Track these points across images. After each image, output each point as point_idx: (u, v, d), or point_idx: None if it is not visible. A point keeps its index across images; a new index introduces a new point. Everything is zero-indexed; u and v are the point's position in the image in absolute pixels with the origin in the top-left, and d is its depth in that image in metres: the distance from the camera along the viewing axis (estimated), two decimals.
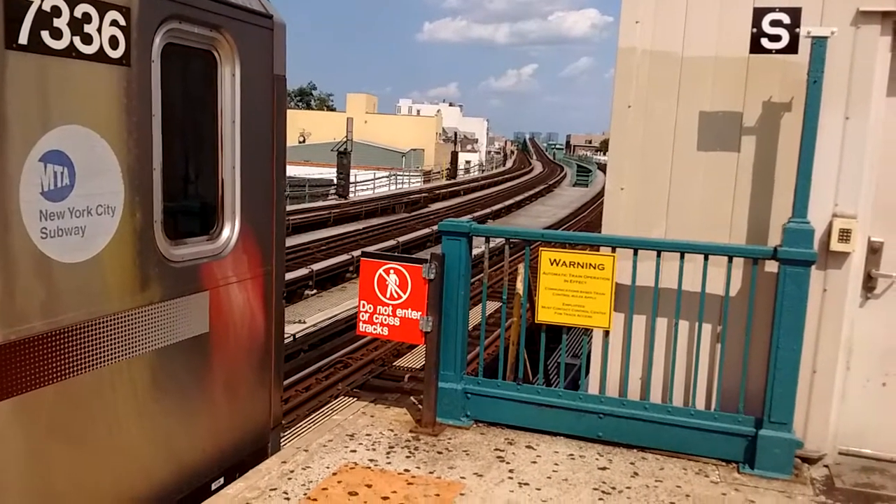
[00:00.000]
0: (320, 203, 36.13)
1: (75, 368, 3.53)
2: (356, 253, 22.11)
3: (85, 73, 3.46)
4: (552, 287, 5.12)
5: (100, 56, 3.51)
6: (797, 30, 4.51)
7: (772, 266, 4.75)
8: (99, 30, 3.48)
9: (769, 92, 4.84)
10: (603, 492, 4.45)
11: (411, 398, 5.80)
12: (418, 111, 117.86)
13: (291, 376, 11.67)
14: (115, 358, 3.76)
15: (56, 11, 3.27)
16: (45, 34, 3.23)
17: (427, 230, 29.86)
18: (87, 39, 3.43)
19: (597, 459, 4.89)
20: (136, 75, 3.74)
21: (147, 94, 3.81)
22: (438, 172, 66.97)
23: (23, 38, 3.14)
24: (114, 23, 3.56)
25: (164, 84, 3.93)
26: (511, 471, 4.68)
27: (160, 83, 3.89)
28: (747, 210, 4.94)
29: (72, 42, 3.36)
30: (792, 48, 4.56)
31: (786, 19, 4.53)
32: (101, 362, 3.67)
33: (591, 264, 5.03)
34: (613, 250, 5.05)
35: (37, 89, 3.25)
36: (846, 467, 4.89)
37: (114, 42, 3.58)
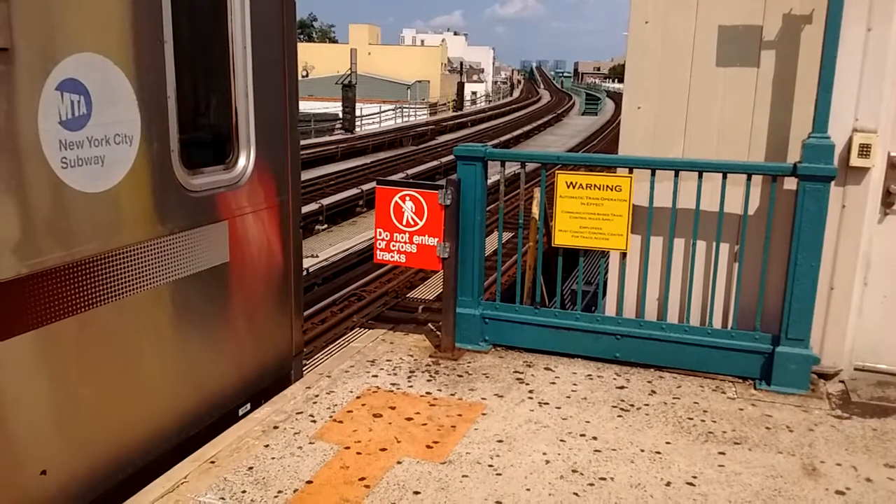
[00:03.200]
0: (327, 138, 35.88)
1: (100, 299, 3.55)
2: (366, 187, 22.06)
3: None
4: (569, 210, 5.11)
5: None
6: None
7: (791, 183, 4.71)
8: None
9: (790, 4, 4.71)
10: (622, 409, 4.53)
11: (429, 325, 5.86)
12: (422, 41, 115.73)
13: (307, 309, 11.79)
14: (139, 288, 3.79)
15: None
16: None
17: (435, 162, 29.73)
18: None
19: (615, 379, 4.96)
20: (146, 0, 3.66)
21: (158, 19, 3.74)
22: (444, 104, 66.19)
23: None
24: None
25: (174, 9, 3.84)
26: (531, 391, 4.76)
27: (170, 7, 3.81)
28: (766, 126, 4.87)
29: None
30: None
31: None
32: (124, 293, 3.69)
33: (607, 186, 5.01)
34: (630, 171, 5.02)
35: (46, 16, 3.19)
36: (862, 382, 4.95)
37: None
